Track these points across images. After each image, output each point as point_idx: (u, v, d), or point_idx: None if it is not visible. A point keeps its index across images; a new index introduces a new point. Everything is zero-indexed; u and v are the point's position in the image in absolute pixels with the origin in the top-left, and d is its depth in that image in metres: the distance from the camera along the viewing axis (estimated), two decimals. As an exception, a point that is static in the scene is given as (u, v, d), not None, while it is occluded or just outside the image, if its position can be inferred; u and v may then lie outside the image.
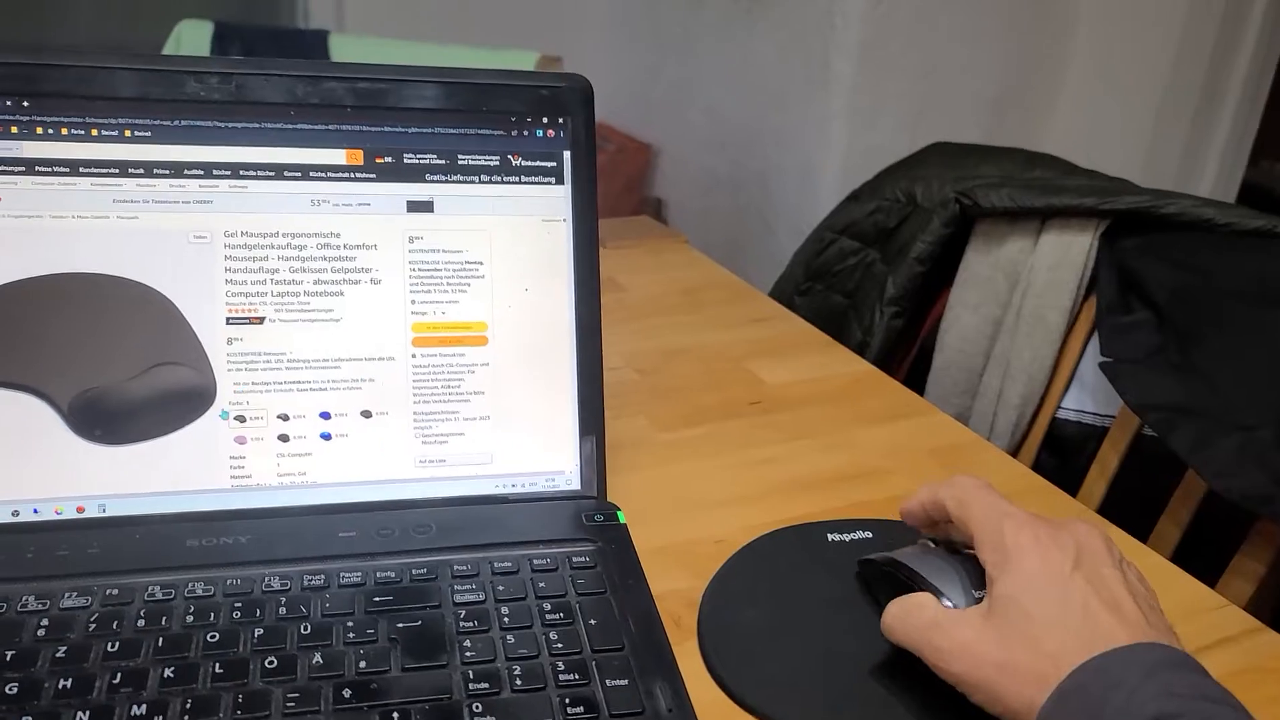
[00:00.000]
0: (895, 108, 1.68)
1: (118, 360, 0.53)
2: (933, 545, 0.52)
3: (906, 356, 1.07)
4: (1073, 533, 0.46)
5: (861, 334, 1.05)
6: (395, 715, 0.43)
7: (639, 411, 0.74)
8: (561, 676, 0.46)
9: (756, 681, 0.48)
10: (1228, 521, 0.79)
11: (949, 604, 0.47)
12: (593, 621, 0.50)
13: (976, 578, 0.47)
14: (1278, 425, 0.73)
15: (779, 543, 0.59)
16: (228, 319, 0.55)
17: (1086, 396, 0.94)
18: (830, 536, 0.59)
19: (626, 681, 0.46)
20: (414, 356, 0.57)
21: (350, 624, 0.48)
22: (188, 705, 0.43)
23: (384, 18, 2.03)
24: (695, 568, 0.57)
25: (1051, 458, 0.96)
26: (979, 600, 0.46)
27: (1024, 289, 0.96)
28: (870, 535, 0.59)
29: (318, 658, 0.46)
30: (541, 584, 0.52)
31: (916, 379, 1.05)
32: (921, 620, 0.46)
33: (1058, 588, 0.43)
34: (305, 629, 0.47)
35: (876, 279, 1.05)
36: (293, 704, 0.43)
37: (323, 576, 0.51)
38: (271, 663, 0.45)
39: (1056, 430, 0.95)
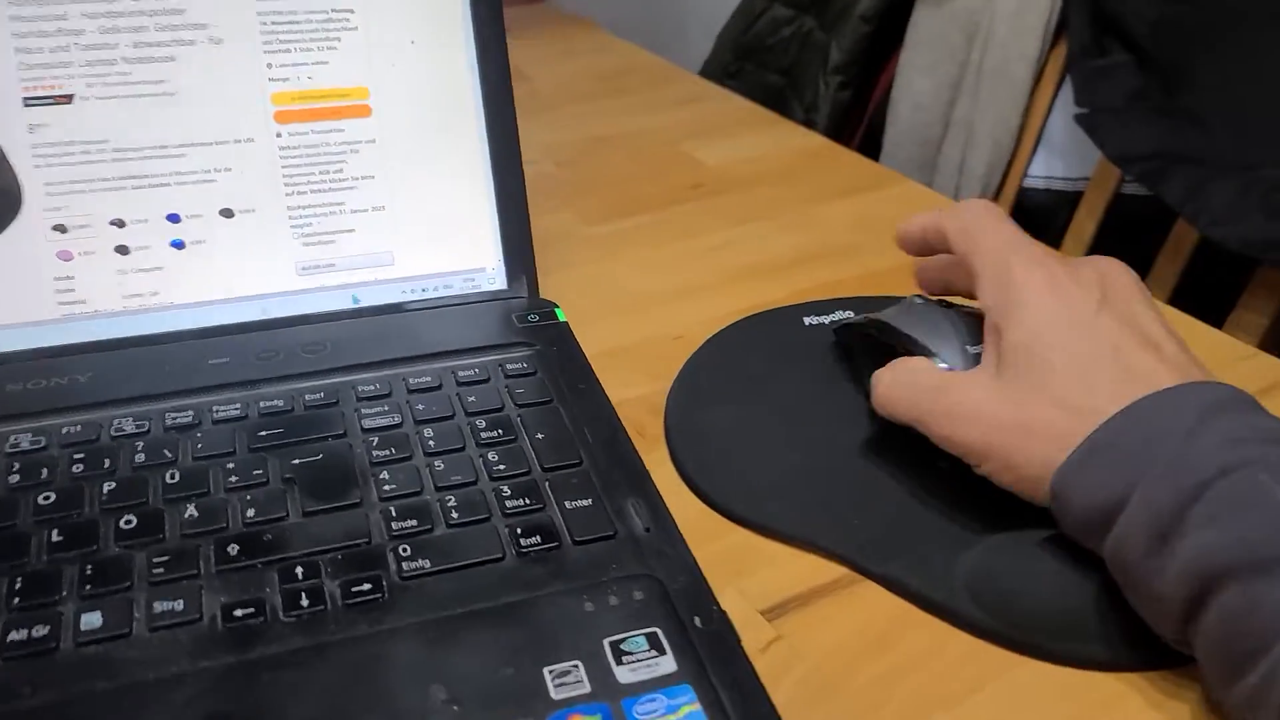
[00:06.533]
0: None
1: (-123, 161, 0.40)
2: (919, 302, 0.44)
3: (855, 132, 0.97)
4: (1095, 267, 0.38)
5: (804, 112, 0.94)
6: (299, 570, 0.33)
7: (563, 206, 0.64)
8: (509, 503, 0.37)
9: (742, 486, 0.40)
10: (1220, 275, 0.72)
11: (944, 365, 0.39)
12: (540, 436, 0.40)
13: (973, 333, 0.40)
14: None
15: (748, 332, 0.50)
16: (25, 99, 0.42)
17: (1056, 160, 0.85)
18: (806, 320, 0.51)
19: (590, 501, 0.37)
20: (279, 136, 0.45)
21: (231, 465, 0.38)
22: (17, 587, 0.32)
23: None
24: (653, 369, 0.47)
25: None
26: (976, 358, 0.38)
27: (984, 41, 0.85)
28: (852, 314, 0.50)
29: (191, 510, 0.35)
30: (471, 398, 0.42)
31: (868, 156, 0.96)
32: (922, 387, 0.38)
33: (1082, 330, 0.35)
34: (172, 477, 0.37)
35: (817, 49, 0.93)
36: (161, 570, 0.33)
37: (191, 413, 0.40)
38: (129, 522, 0.35)
39: (1025, 201, 0.87)
